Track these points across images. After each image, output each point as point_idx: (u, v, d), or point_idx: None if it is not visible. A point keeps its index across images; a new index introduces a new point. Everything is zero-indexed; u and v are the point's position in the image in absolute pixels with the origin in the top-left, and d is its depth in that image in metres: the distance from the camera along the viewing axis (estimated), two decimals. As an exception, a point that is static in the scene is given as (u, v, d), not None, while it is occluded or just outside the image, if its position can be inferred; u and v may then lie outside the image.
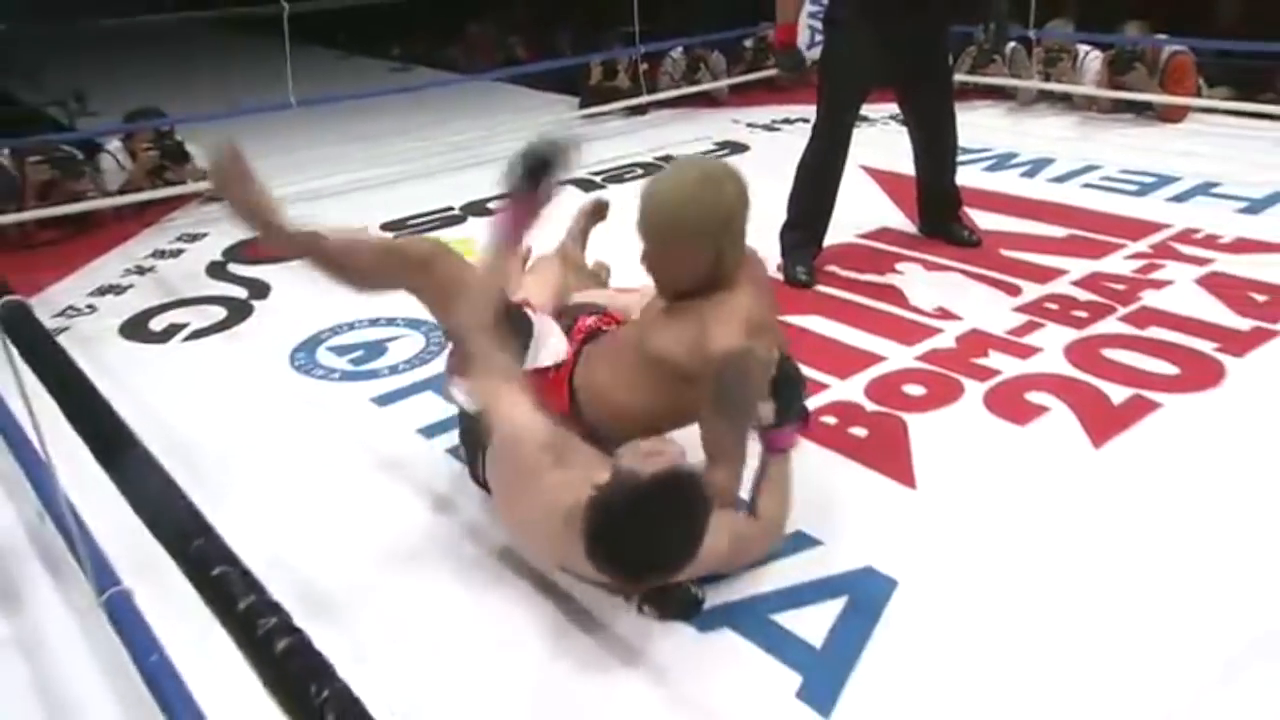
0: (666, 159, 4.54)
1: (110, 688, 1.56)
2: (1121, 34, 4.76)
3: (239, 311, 3.11)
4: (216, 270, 3.48)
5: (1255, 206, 3.54)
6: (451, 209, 4.02)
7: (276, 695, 0.65)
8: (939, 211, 3.32)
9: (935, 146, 3.23)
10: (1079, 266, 3.08)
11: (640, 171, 4.42)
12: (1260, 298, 2.80)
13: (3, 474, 2.14)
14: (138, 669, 1.19)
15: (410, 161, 4.67)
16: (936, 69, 3.16)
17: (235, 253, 3.63)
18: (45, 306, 3.16)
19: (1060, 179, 3.98)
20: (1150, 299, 2.82)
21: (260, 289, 3.28)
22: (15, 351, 1.23)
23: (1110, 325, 2.69)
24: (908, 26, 2.90)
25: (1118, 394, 2.34)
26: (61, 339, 2.88)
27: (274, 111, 4.60)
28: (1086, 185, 3.90)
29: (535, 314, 1.97)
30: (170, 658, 1.17)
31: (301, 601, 1.70)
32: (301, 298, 3.18)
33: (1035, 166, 4.15)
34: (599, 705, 1.52)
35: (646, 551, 1.51)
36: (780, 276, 3.00)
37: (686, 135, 4.98)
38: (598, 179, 4.34)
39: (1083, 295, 2.88)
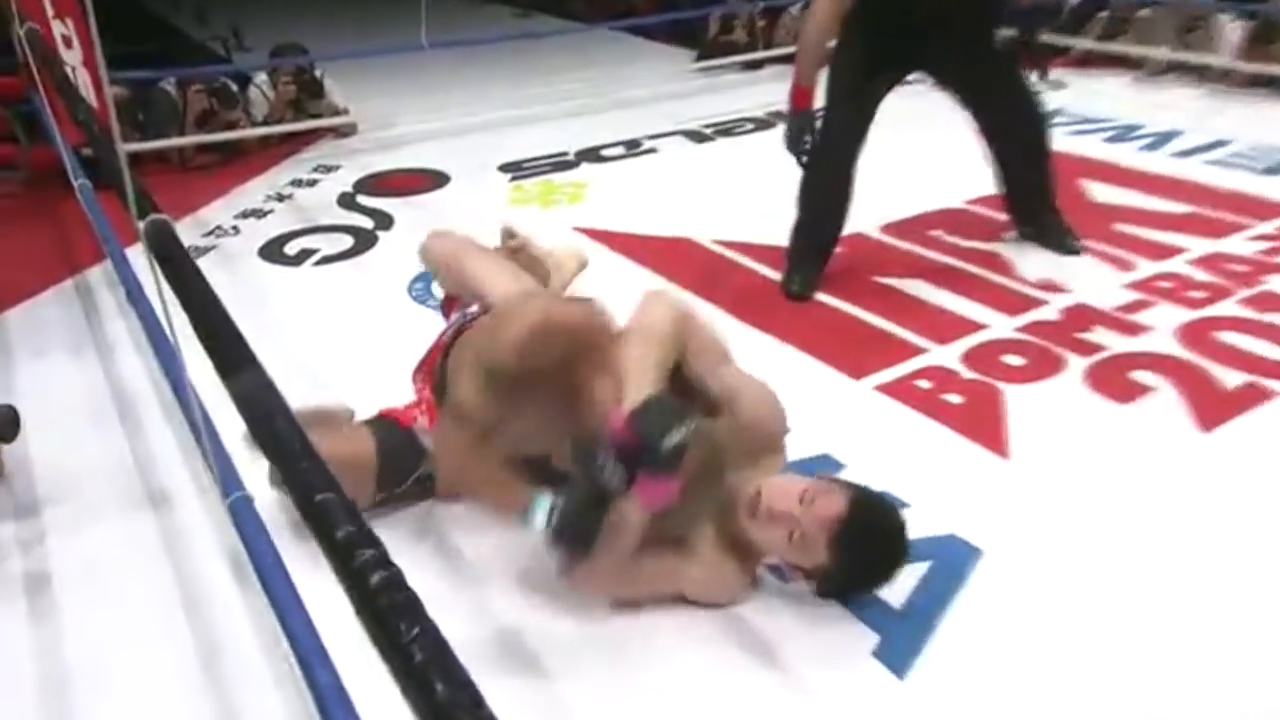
0: (778, 115, 4.36)
1: (235, 581, 1.61)
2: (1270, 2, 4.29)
3: (365, 240, 3.14)
4: (347, 201, 3.53)
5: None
6: (566, 154, 3.96)
7: (367, 626, 0.62)
8: (1029, 216, 2.82)
9: (1005, 152, 2.71)
10: (1198, 245, 2.81)
11: (751, 126, 4.26)
12: (1398, 290, 2.51)
13: (156, 381, 2.23)
14: (254, 568, 1.21)
15: (529, 106, 4.62)
16: (980, 76, 2.56)
17: (364, 185, 3.67)
18: (197, 226, 3.27)
19: (1185, 154, 3.64)
20: (1274, 283, 2.55)
21: (385, 220, 3.30)
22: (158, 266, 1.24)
23: (1228, 308, 2.45)
24: (917, 42, 2.42)
25: (1231, 379, 2.14)
26: (209, 257, 3.02)
27: (407, 52, 4.60)
28: (1213, 161, 3.55)
29: None
30: (284, 562, 1.19)
31: (399, 531, 1.73)
32: (422, 230, 3.16)
33: (1159, 140, 3.81)
34: (673, 654, 1.49)
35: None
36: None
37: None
38: (709, 131, 4.21)
39: (1200, 275, 2.64)
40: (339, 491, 0.72)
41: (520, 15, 7.54)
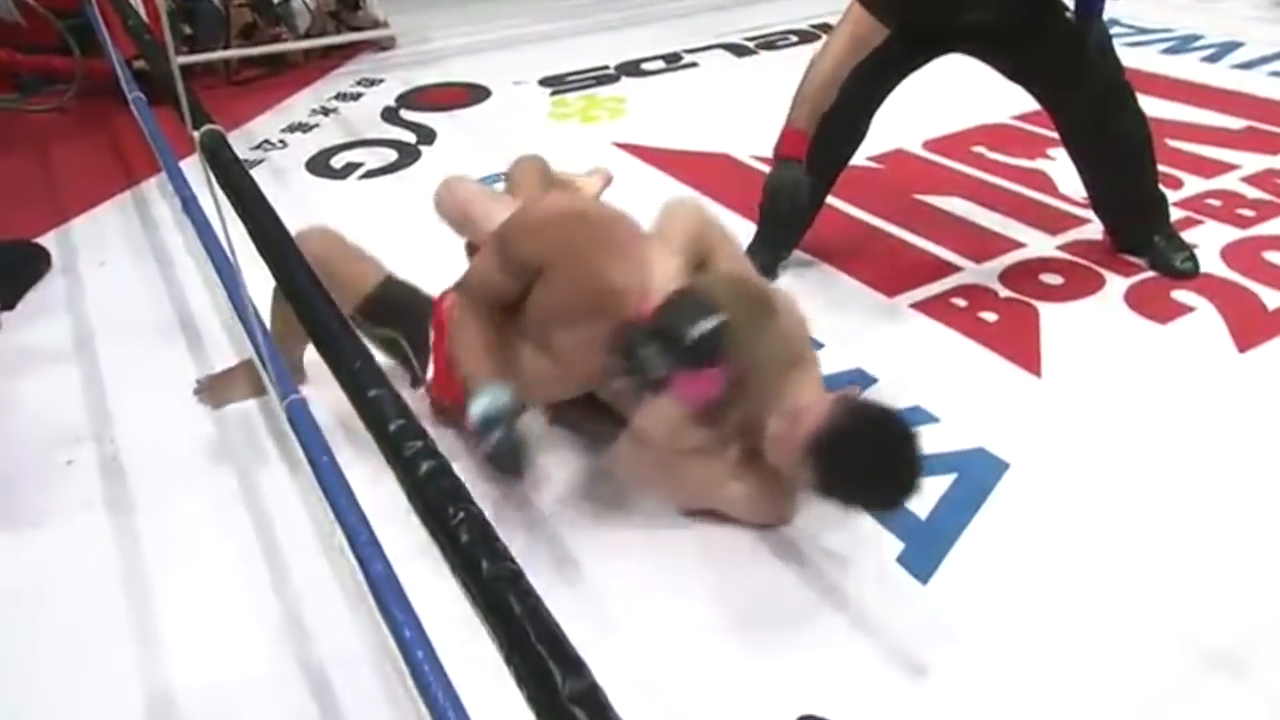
0: (824, 27, 4.21)
1: (293, 482, 1.69)
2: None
3: (408, 155, 3.14)
4: (390, 115, 3.51)
5: None
6: (607, 67, 3.88)
7: (418, 510, 0.66)
8: (1131, 227, 2.27)
9: (1091, 156, 2.20)
10: (1253, 162, 2.70)
11: (795, 39, 4.12)
12: None
13: (213, 289, 2.29)
14: (310, 466, 1.27)
15: (569, 19, 4.51)
16: (1053, 66, 2.04)
17: (407, 99, 3.65)
18: (245, 138, 3.29)
19: (1246, 65, 3.46)
20: (1329, 202, 2.47)
21: (428, 134, 3.30)
22: (213, 176, 1.27)
23: (1278, 227, 2.38)
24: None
25: (1273, 299, 2.09)
26: (259, 170, 3.05)
27: (447, -38, 4.50)
28: (1276, 74, 3.38)
29: None
30: (337, 460, 1.24)
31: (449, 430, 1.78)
32: (464, 145, 3.19)
33: (1220, 50, 3.62)
34: (700, 555, 1.54)
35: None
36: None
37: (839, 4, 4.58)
38: (750, 44, 4.09)
39: (1252, 193, 2.54)
40: (390, 388, 0.76)
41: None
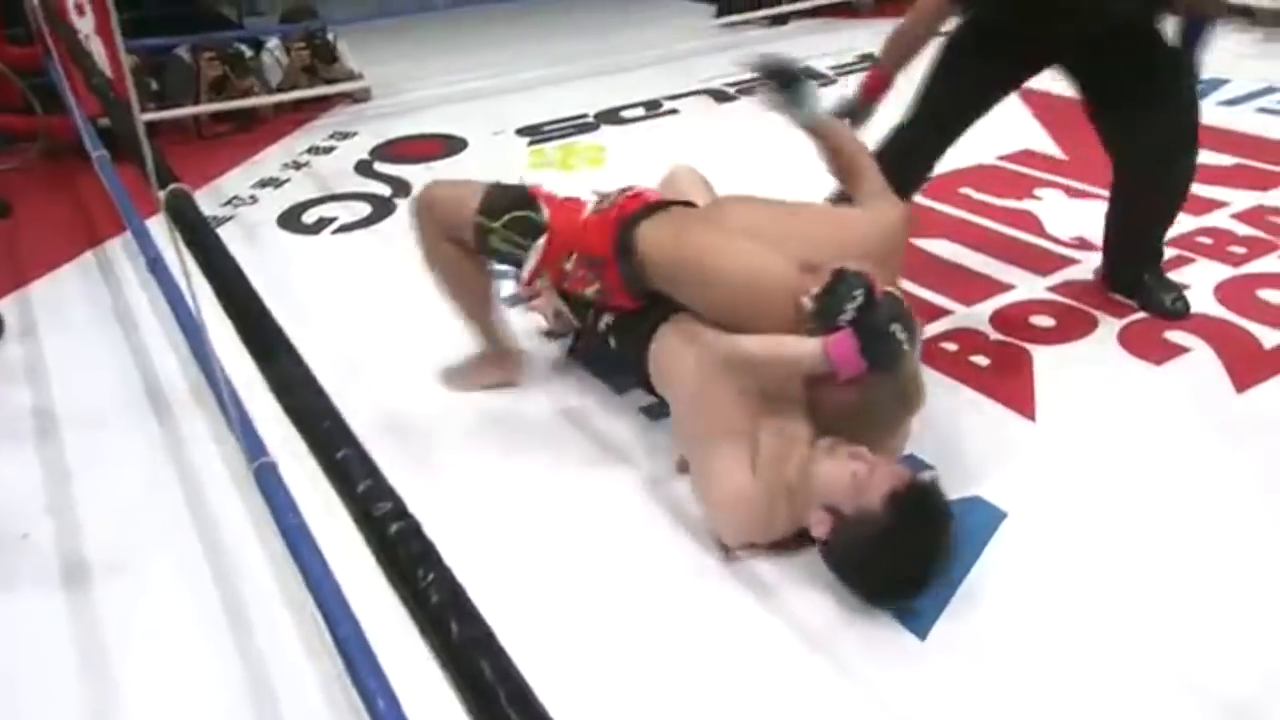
0: (807, 72, 4.33)
1: (261, 543, 1.69)
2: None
3: (383, 208, 3.19)
4: (364, 168, 3.58)
5: None
6: (586, 115, 3.97)
7: (386, 572, 0.67)
8: (1128, 267, 2.32)
9: (1138, 194, 2.21)
10: (1242, 199, 2.78)
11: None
12: None
13: (179, 350, 2.30)
14: (279, 531, 1.27)
15: (547, 67, 4.63)
16: (1141, 91, 2.04)
17: (381, 151, 3.72)
18: (215, 195, 3.34)
19: (1233, 102, 3.58)
20: (1322, 239, 2.54)
21: (402, 187, 3.35)
22: (179, 237, 1.30)
23: (1270, 264, 2.44)
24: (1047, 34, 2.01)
25: (1270, 338, 2.13)
26: (228, 227, 3.09)
27: (421, 15, 4.62)
28: (1263, 110, 3.50)
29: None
30: (307, 524, 1.25)
31: (422, 487, 1.79)
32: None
33: (1207, 88, 3.71)
34: (688, 612, 1.54)
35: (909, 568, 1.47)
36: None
37: (828, 47, 4.72)
38: (731, 90, 4.20)
39: (1242, 230, 2.61)
40: (358, 447, 0.77)
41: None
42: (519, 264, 1.92)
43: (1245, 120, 3.40)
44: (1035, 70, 2.16)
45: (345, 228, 3.06)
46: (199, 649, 1.51)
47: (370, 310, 2.54)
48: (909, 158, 2.20)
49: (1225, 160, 3.05)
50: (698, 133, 3.75)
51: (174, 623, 1.56)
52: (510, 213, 1.89)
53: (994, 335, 2.22)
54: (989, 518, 1.68)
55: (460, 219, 1.90)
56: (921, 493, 1.48)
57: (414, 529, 0.68)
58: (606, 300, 1.85)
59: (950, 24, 2.14)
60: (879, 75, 2.12)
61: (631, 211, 1.83)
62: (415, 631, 0.64)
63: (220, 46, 4.12)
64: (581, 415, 2.04)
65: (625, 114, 3.98)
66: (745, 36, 5.03)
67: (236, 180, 3.52)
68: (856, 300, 1.52)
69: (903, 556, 1.46)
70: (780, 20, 5.20)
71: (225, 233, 2.92)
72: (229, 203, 3.31)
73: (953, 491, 1.71)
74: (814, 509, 1.51)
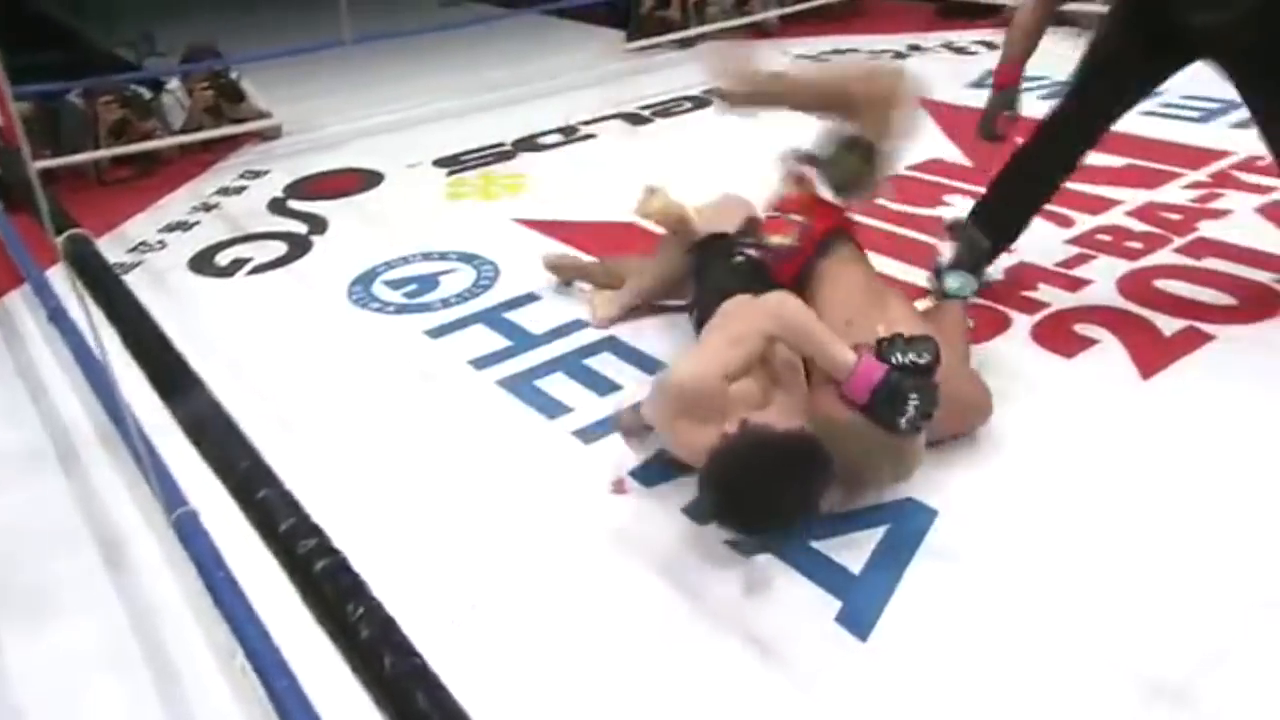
0: (717, 93, 4.41)
1: (185, 595, 1.62)
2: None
3: (299, 246, 3.13)
4: (277, 206, 3.51)
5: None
6: (503, 144, 3.97)
7: (314, 611, 0.65)
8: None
9: None
10: (1134, 197, 2.93)
11: (689, 105, 4.30)
12: (1325, 227, 2.65)
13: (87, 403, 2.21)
14: (204, 583, 1.23)
15: (462, 97, 4.62)
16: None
17: (295, 189, 3.65)
18: (120, 242, 3.23)
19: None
20: (1208, 229, 2.68)
21: (319, 224, 3.30)
22: (80, 282, 1.25)
23: (1165, 256, 2.57)
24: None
25: (1169, 326, 2.24)
26: (135, 273, 2.98)
27: (328, 50, 4.56)
28: (1147, 113, 3.65)
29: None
30: (233, 572, 1.21)
31: (348, 524, 1.74)
32: (358, 233, 3.20)
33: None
34: (638, 626, 1.54)
35: (758, 506, 1.57)
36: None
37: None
38: (647, 113, 4.25)
39: (1137, 226, 2.75)
40: (279, 487, 0.75)
41: (448, 4, 7.50)
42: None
43: (1132, 123, 3.54)
44: (1179, 64, 2.20)
45: (261, 268, 2.99)
46: (121, 713, 1.43)
47: (289, 350, 2.48)
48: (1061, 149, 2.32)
49: (1117, 161, 3.20)
50: (616, 156, 3.78)
51: (98, 691, 1.49)
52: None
53: (914, 339, 2.28)
54: (921, 518, 1.72)
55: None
56: (732, 447, 1.57)
57: (341, 564, 0.66)
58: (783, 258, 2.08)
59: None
60: (1003, 68, 2.27)
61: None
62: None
63: (117, 89, 4.00)
64: (511, 439, 2.02)
65: (543, 140, 3.99)
66: (656, 60, 5.10)
67: (142, 225, 3.41)
68: (919, 358, 1.63)
69: (737, 484, 1.57)
70: (688, 43, 5.29)
71: (133, 279, 2.83)
72: (135, 249, 3.20)
73: (885, 494, 1.76)
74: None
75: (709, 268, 2.18)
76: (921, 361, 1.62)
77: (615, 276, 2.51)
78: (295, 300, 2.77)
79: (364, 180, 3.70)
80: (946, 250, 2.46)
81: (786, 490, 1.57)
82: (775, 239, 2.14)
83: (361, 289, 2.77)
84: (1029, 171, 2.35)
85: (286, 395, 2.24)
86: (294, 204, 3.51)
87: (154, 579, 1.69)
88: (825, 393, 1.67)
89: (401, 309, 2.65)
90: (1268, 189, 2.90)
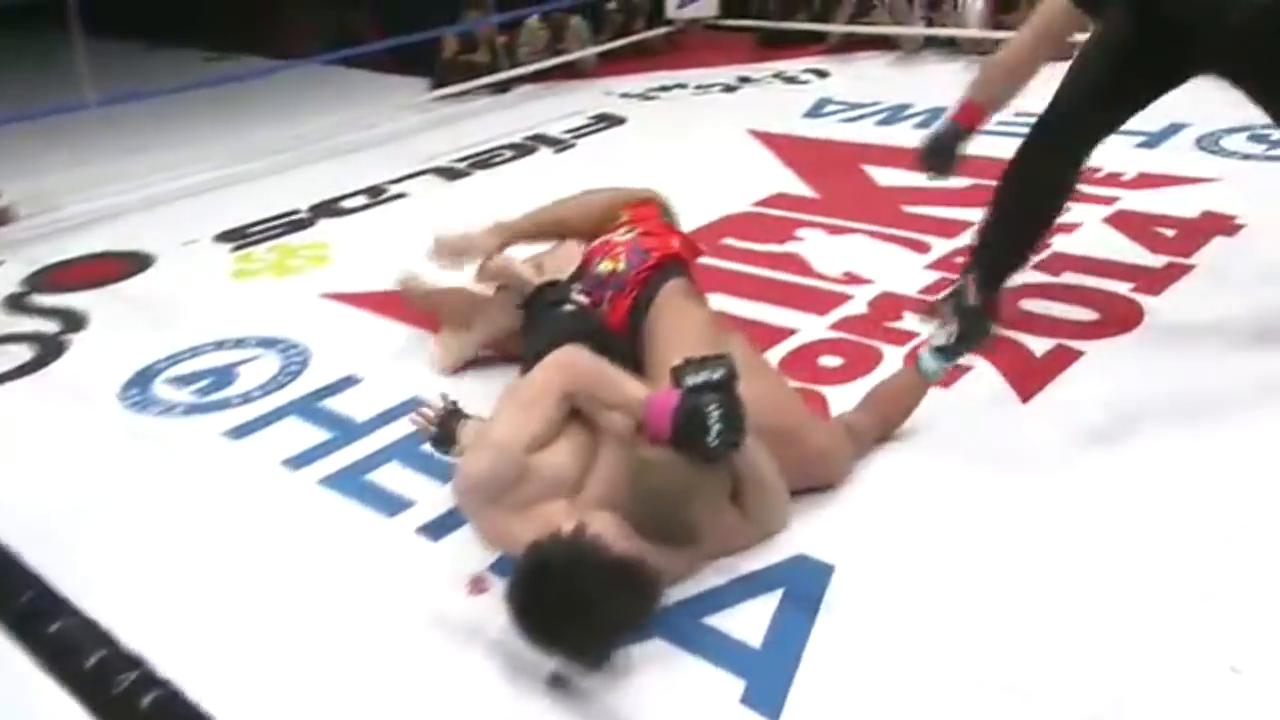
0: (540, 139, 4.51)
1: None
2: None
3: (51, 348, 2.92)
4: (16, 303, 3.26)
5: (1153, 140, 3.76)
6: (297, 211, 3.89)
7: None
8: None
9: None
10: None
11: (510, 154, 4.38)
12: (1169, 232, 2.99)
13: None
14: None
15: (245, 162, 4.50)
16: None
17: (39, 281, 3.42)
18: None
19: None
20: (1061, 243, 2.96)
21: (75, 320, 3.09)
22: None
23: (1024, 275, 2.80)
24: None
25: (1039, 346, 2.44)
26: None
27: (70, 113, 4.35)
28: (984, 132, 4.05)
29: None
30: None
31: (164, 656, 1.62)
32: (128, 326, 3.02)
33: (930, 116, 4.29)
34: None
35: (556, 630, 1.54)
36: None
37: (557, 111, 4.96)
38: (462, 165, 4.28)
39: (993, 246, 3.00)
40: (78, 614, 0.69)
41: (212, 59, 7.32)
42: None
43: (971, 144, 3.93)
44: (1180, 80, 2.30)
45: (3, 378, 2.76)
46: None
47: (53, 472, 2.29)
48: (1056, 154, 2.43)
49: (962, 182, 3.47)
50: (432, 215, 3.76)
51: None
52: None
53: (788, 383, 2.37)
54: (817, 575, 1.77)
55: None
56: (530, 564, 1.55)
57: (173, 693, 0.61)
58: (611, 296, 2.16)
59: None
60: (971, 105, 2.35)
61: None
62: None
63: None
64: (345, 545, 1.94)
65: (345, 204, 3.94)
66: (467, 108, 5.17)
67: None
68: (712, 374, 1.66)
69: (531, 601, 1.55)
70: (502, 88, 5.40)
71: None
72: None
73: (774, 554, 1.80)
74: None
75: (539, 319, 2.22)
76: (715, 378, 1.66)
77: (463, 315, 2.56)
78: (53, 413, 2.57)
79: (128, 265, 3.51)
80: (926, 328, 2.48)
81: (594, 618, 1.52)
82: (604, 265, 2.22)
83: (138, 391, 2.60)
84: (1010, 214, 2.51)
85: (63, 528, 2.04)
86: (38, 299, 3.29)
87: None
88: (638, 440, 1.72)
89: (192, 409, 2.51)
90: (1111, 199, 3.25)
